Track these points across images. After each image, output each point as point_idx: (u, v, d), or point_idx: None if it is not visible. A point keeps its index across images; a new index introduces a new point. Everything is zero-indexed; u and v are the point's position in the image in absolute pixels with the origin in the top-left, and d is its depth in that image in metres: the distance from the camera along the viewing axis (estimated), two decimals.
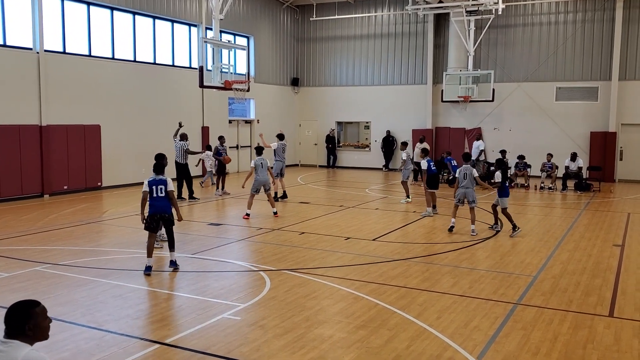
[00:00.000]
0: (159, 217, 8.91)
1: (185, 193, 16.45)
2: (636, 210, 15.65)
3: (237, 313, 6.96)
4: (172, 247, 9.06)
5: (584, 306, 7.39)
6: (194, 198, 16.52)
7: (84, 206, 15.42)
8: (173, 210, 9.00)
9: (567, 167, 19.88)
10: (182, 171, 16.42)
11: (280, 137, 17.19)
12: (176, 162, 16.37)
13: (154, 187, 8.86)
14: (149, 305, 7.24)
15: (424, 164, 14.38)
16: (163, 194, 8.87)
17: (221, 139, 18.88)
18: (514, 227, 11.92)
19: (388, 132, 26.55)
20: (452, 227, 12.20)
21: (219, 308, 7.15)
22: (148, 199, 8.92)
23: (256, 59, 25.79)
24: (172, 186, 8.95)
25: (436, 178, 14.62)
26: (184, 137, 16.52)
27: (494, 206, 12.48)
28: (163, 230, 9.55)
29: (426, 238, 11.70)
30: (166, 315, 6.92)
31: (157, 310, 7.06)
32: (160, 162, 9.29)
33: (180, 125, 16.77)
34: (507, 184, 12.45)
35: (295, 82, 28.78)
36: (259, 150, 14.37)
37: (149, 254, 8.85)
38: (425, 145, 21.76)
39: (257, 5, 25.90)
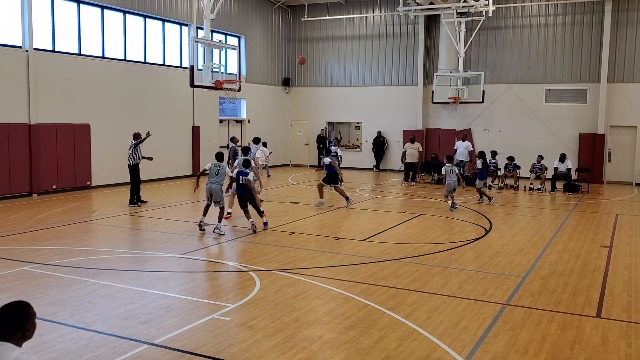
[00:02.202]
0: (245, 198, 11.88)
1: (147, 196, 15.65)
2: (624, 211, 15.78)
3: (227, 313, 6.95)
4: (260, 214, 12.16)
5: (571, 307, 7.45)
6: (142, 202, 15.53)
7: (73, 205, 15.32)
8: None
9: (556, 169, 20.02)
10: (133, 173, 15.30)
11: (256, 141, 17.52)
12: (128, 164, 15.31)
13: (240, 177, 11.76)
14: (138, 306, 7.21)
15: (326, 160, 15.68)
16: (244, 182, 11.71)
17: (234, 139, 17.91)
18: (488, 197, 16.64)
19: (379, 132, 26.61)
20: (454, 204, 15.18)
21: (209, 308, 7.13)
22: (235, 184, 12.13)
23: (247, 58, 25.76)
24: (252, 176, 11.79)
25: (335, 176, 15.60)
26: (136, 137, 15.37)
27: (476, 187, 16.91)
28: (215, 225, 11.76)
29: (416, 238, 11.74)
30: (155, 315, 6.89)
31: (146, 311, 7.03)
32: (244, 157, 12.66)
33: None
34: (485, 172, 16.98)
35: (286, 82, 28.77)
36: (245, 150, 14.22)
37: (249, 217, 11.87)
38: (417, 145, 21.85)
39: (248, 5, 25.87)
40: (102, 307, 7.16)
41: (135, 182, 15.38)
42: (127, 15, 19.88)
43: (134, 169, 15.35)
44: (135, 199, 15.44)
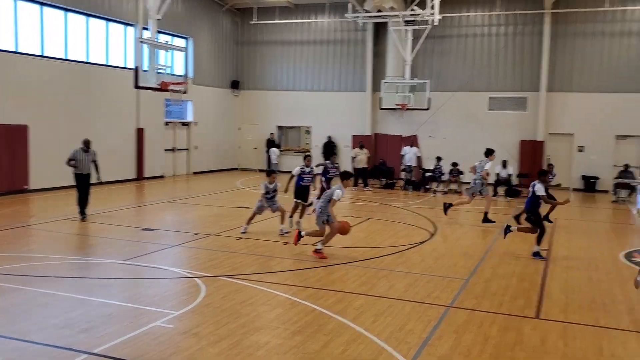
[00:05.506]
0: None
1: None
2: (561, 216, 16.40)
3: (170, 321, 6.78)
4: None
5: (512, 309, 7.67)
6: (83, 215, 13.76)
7: (8, 210, 14.65)
8: None
9: (498, 174, 20.67)
10: (77, 183, 13.74)
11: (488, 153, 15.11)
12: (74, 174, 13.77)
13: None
14: (78, 314, 6.95)
15: (296, 171, 13.16)
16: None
17: (332, 157, 16.38)
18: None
19: (329, 137, 26.73)
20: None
21: (152, 316, 6.95)
22: None
23: (195, 60, 25.39)
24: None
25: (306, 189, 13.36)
26: (85, 143, 13.76)
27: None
28: (283, 226, 12.29)
29: (364, 242, 11.83)
30: (95, 323, 6.65)
31: (86, 319, 6.78)
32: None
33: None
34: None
35: (235, 85, 28.50)
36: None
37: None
38: (366, 151, 22.10)
39: (196, 7, 25.52)
40: (39, 316, 6.86)
41: (80, 192, 13.74)
42: (68, 13, 19.22)
43: (77, 179, 13.74)
44: (81, 211, 13.77)
